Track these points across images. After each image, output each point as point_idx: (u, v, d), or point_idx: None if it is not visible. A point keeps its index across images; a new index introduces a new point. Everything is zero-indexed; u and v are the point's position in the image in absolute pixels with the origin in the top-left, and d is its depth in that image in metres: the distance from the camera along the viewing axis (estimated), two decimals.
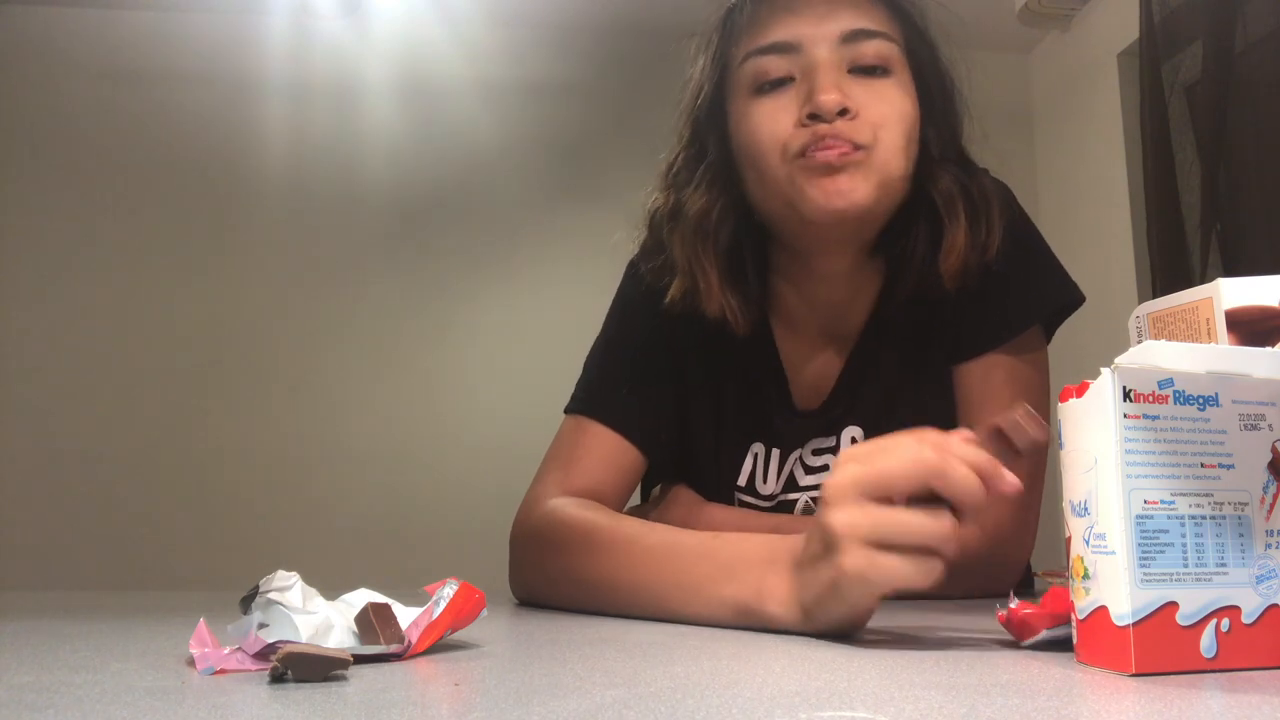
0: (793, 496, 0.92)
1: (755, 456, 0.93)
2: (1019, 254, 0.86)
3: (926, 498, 0.53)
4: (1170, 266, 2.11)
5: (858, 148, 0.79)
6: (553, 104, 3.01)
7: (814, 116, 0.78)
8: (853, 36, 0.80)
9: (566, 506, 0.83)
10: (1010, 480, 0.52)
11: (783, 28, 0.82)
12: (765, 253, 0.92)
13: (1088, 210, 2.69)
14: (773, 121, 0.81)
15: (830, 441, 0.91)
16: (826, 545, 0.54)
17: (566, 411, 0.93)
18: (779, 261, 0.92)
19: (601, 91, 3.00)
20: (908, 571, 0.52)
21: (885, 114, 0.80)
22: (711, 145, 0.88)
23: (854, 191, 0.79)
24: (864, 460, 0.54)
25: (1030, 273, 0.88)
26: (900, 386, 0.90)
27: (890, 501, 0.53)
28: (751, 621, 0.62)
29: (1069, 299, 0.89)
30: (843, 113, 0.78)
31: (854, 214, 0.80)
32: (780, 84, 0.82)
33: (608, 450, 0.89)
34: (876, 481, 0.53)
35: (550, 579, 0.81)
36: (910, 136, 0.82)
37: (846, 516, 0.53)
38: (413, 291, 2.93)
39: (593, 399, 0.92)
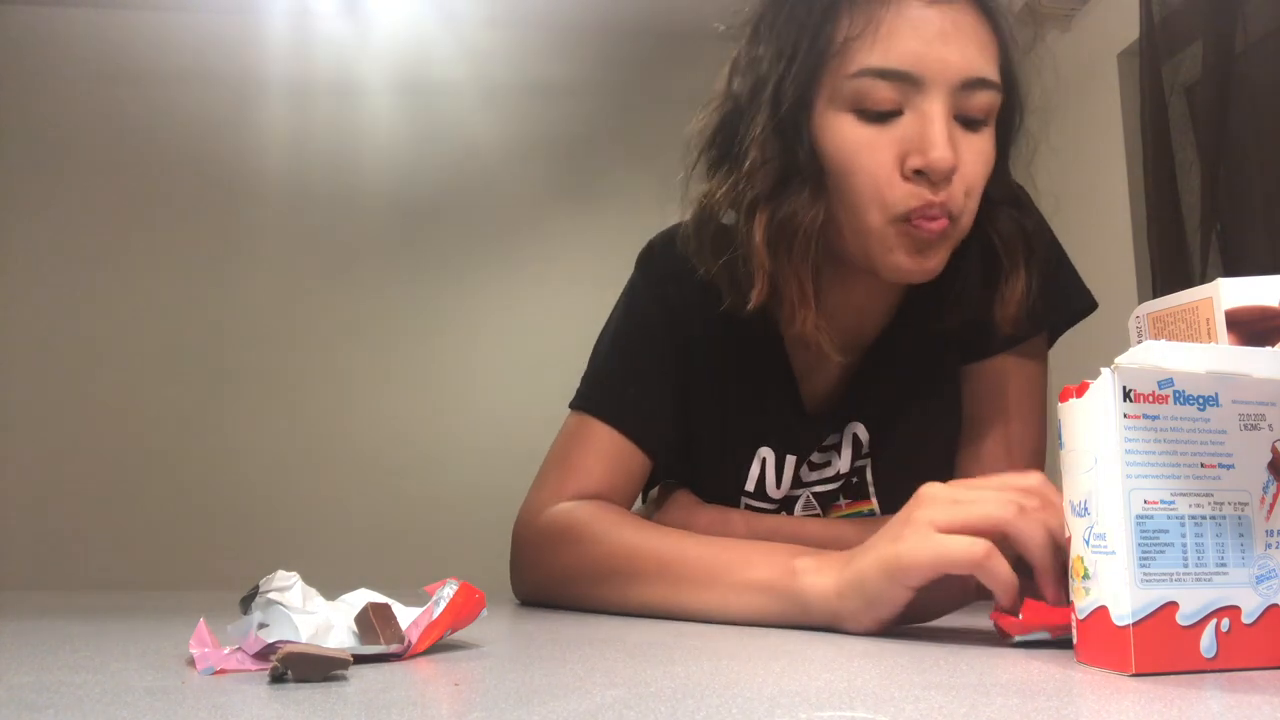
0: (796, 492, 0.92)
1: (763, 461, 0.92)
2: None
3: None
4: (1170, 266, 2.11)
5: (949, 218, 0.76)
6: (553, 104, 3.01)
7: (920, 173, 0.75)
8: (971, 85, 0.76)
9: (576, 506, 0.83)
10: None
11: (906, 50, 0.75)
12: None
13: (1088, 210, 2.69)
14: (874, 159, 0.76)
15: (835, 439, 0.91)
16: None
17: (572, 407, 0.92)
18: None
19: (601, 92, 3.00)
20: (961, 545, 0.55)
21: (976, 175, 0.77)
22: (801, 148, 0.80)
23: (935, 265, 0.78)
24: (951, 497, 0.58)
25: (1046, 278, 0.88)
26: (911, 385, 0.90)
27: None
28: (778, 602, 0.63)
29: (1083, 306, 0.90)
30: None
31: (924, 281, 0.80)
32: (885, 116, 0.76)
33: (612, 451, 0.88)
34: (958, 523, 0.57)
35: (561, 577, 0.81)
36: (983, 188, 0.79)
37: (927, 510, 0.57)
38: (413, 291, 2.93)
39: (598, 397, 0.91)
